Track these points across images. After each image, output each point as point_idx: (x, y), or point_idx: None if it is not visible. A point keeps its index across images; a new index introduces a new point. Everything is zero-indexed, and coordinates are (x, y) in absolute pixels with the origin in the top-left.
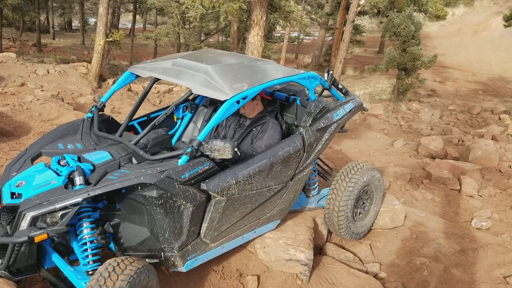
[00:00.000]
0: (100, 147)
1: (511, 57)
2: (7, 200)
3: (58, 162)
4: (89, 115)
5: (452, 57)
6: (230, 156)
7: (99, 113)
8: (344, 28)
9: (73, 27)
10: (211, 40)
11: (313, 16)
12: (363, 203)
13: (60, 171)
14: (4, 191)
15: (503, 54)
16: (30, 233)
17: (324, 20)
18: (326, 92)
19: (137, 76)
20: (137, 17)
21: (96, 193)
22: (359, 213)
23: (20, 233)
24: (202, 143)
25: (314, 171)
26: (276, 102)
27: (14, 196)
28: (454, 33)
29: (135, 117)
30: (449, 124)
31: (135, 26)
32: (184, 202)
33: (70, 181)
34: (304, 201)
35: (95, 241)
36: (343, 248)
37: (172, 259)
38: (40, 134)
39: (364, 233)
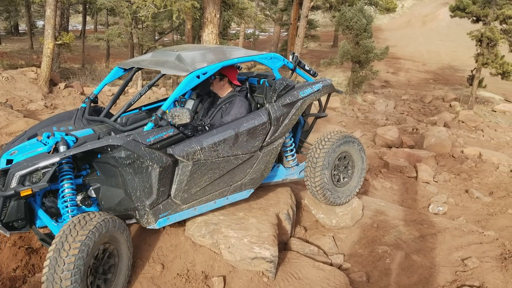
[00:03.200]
0: (87, 126)
1: (459, 46)
2: (2, 166)
3: (48, 137)
4: (83, 105)
5: (403, 48)
6: (188, 120)
7: (93, 104)
8: (298, 23)
9: (20, 31)
10: (165, 39)
11: (267, 12)
12: (343, 169)
13: (48, 142)
14: (0, 161)
15: (451, 44)
16: (17, 188)
17: (279, 16)
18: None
19: (125, 71)
20: (88, 18)
21: (71, 153)
22: (337, 180)
23: (9, 189)
24: (165, 112)
25: (291, 144)
26: (245, 84)
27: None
28: (404, 25)
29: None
30: (403, 113)
31: (86, 28)
32: (151, 163)
33: (55, 150)
34: (285, 172)
35: (75, 200)
36: (308, 242)
37: (145, 216)
38: None
39: (349, 198)
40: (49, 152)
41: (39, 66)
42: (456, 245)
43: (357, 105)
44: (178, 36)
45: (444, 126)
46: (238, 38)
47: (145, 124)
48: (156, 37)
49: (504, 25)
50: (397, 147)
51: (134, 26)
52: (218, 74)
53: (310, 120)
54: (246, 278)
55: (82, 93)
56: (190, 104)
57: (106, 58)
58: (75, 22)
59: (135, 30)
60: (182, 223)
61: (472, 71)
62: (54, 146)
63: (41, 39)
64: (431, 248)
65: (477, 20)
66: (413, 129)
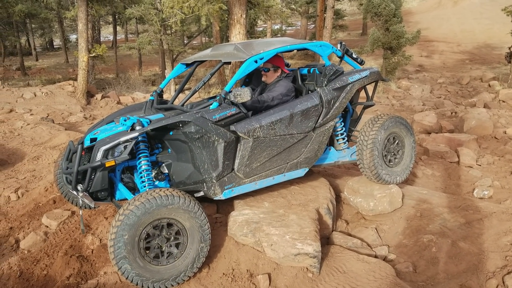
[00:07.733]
0: (158, 113)
1: (494, 23)
2: (87, 144)
3: (124, 120)
4: (151, 98)
5: (435, 30)
6: (249, 98)
7: (159, 98)
8: (325, 14)
9: (55, 46)
10: (194, 42)
11: (293, 6)
12: (393, 149)
13: (125, 124)
14: (85, 141)
15: (485, 21)
16: (102, 160)
17: (304, 9)
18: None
19: (187, 66)
20: (118, 28)
21: (149, 129)
22: (390, 160)
23: (95, 161)
24: (228, 92)
25: (341, 128)
26: (291, 72)
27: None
28: (435, 6)
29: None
30: (440, 97)
31: (117, 38)
32: (217, 138)
33: (132, 130)
34: (337, 155)
35: (151, 175)
36: (350, 235)
37: (212, 188)
38: (35, 159)
39: (404, 176)
40: (127, 131)
41: (75, 79)
42: (505, 230)
43: (392, 92)
44: (207, 38)
45: (484, 107)
46: (266, 35)
47: (211, 105)
48: (185, 41)
49: None
50: (436, 133)
51: (163, 33)
52: (272, 66)
53: (358, 110)
54: (290, 275)
55: (119, 102)
56: None
57: (139, 66)
58: (106, 33)
59: (164, 37)
60: (224, 223)
61: (510, 48)
62: (131, 126)
63: (75, 53)
64: (478, 234)
65: None
66: (451, 113)
